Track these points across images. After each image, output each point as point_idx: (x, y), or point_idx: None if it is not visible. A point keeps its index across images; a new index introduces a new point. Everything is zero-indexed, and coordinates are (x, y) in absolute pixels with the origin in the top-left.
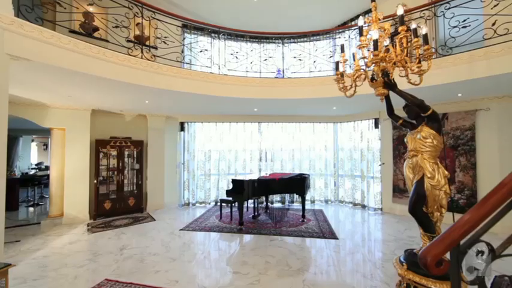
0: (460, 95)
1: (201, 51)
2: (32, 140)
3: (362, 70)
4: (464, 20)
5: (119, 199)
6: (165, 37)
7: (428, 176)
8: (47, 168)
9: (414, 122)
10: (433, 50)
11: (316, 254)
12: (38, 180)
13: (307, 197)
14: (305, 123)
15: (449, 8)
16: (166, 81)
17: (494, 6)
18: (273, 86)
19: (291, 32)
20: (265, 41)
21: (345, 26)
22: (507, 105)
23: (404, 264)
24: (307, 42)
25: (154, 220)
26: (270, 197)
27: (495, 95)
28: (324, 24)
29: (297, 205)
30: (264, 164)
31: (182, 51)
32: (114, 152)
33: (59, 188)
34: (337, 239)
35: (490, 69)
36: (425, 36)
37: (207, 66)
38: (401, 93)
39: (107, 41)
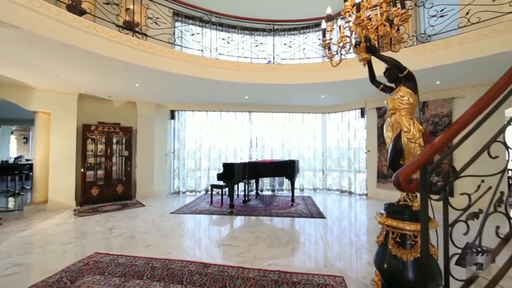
0: (438, 82)
1: (192, 34)
2: (12, 132)
3: (347, 38)
4: (442, 10)
5: (107, 186)
6: (157, 18)
7: (405, 130)
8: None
9: (393, 85)
10: (414, 38)
11: (304, 229)
12: (19, 169)
13: (297, 185)
14: (295, 113)
15: None
16: (158, 61)
17: None
18: (263, 71)
19: (282, 19)
20: (256, 33)
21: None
22: (480, 93)
23: (384, 213)
24: (297, 35)
25: (144, 206)
26: (260, 185)
27: (470, 84)
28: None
29: (286, 192)
30: (255, 153)
31: (174, 33)
32: (102, 138)
33: (43, 173)
34: (325, 218)
35: (464, 55)
36: (402, 2)
37: (199, 50)
38: (381, 57)
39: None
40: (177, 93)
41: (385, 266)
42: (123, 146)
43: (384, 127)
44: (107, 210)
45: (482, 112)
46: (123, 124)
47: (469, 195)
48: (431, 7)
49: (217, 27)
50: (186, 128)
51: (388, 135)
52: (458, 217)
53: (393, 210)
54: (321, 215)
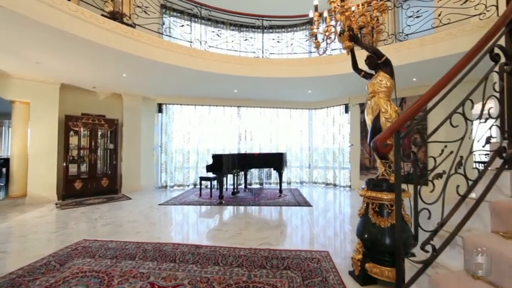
0: (414, 79)
1: (182, 26)
2: None
3: (332, 28)
4: (418, 11)
5: (91, 179)
6: (146, 7)
7: (383, 111)
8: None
9: (373, 72)
10: (393, 37)
11: (292, 216)
12: None
13: (284, 178)
14: (282, 108)
15: (405, 0)
16: (148, 50)
17: (439, 0)
18: (253, 64)
19: (271, 15)
20: (244, 29)
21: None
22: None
23: (365, 187)
24: (285, 33)
25: (131, 199)
26: (249, 178)
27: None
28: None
29: (274, 186)
30: (244, 147)
31: (163, 24)
32: (86, 130)
33: (21, 166)
34: (311, 206)
35: (436, 52)
36: None
37: (188, 41)
38: (362, 45)
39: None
40: (166, 85)
41: (366, 235)
42: (108, 138)
43: (365, 111)
44: (91, 203)
45: (440, 91)
46: (109, 116)
47: (434, 158)
48: (408, 8)
49: (206, 21)
50: (174, 121)
51: (369, 118)
52: (427, 177)
53: (373, 184)
54: (307, 204)
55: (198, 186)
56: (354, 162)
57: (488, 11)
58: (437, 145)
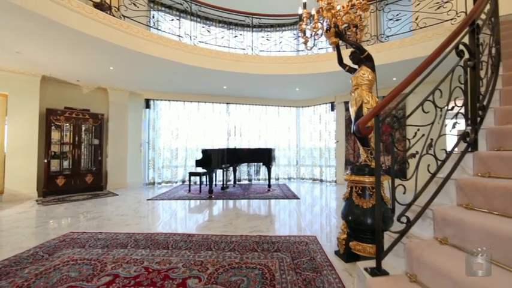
0: (394, 79)
1: (172, 20)
2: None
3: (320, 24)
4: (397, 14)
5: (75, 175)
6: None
7: (365, 101)
8: None
9: (356, 66)
10: (375, 38)
11: (281, 207)
12: None
13: (272, 174)
14: (271, 106)
15: (387, 4)
16: (137, 43)
17: (417, 5)
18: (242, 60)
19: (261, 13)
20: (233, 27)
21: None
22: (427, 89)
23: (349, 172)
24: (274, 32)
25: (117, 195)
26: (238, 174)
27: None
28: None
29: (263, 181)
30: (232, 144)
31: (153, 16)
32: (69, 125)
33: None
34: (299, 199)
35: (414, 53)
36: None
37: (178, 36)
38: (347, 41)
39: None
40: (154, 80)
41: (350, 216)
42: (93, 134)
43: (349, 102)
44: (75, 199)
45: (413, 80)
46: (94, 111)
47: (409, 139)
48: (389, 12)
49: (195, 18)
50: (162, 117)
51: (353, 109)
52: (402, 157)
53: (356, 169)
54: (295, 197)
55: (187, 183)
56: (339, 158)
57: (458, 16)
58: (413, 130)
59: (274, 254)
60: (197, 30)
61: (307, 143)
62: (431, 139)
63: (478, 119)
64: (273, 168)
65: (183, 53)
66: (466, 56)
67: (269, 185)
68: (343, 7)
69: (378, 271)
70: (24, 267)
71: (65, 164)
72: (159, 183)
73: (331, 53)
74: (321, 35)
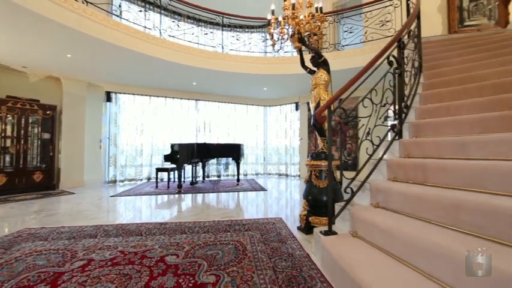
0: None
1: (140, 11)
2: None
3: (286, 30)
4: (351, 27)
5: (19, 173)
6: None
7: (322, 99)
8: None
9: (316, 69)
10: (333, 46)
11: (250, 197)
12: None
13: (240, 170)
14: (240, 104)
15: (342, 18)
16: (103, 32)
17: (366, 21)
18: (212, 58)
19: (231, 14)
20: (202, 24)
21: None
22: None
23: (309, 159)
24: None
25: (74, 193)
26: (206, 171)
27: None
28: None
29: (232, 177)
30: (201, 141)
31: (119, 6)
32: (12, 116)
33: None
34: (266, 190)
35: (364, 61)
36: (321, 8)
37: (146, 27)
38: (308, 46)
39: None
40: (118, 72)
41: (310, 196)
42: (42, 127)
43: (309, 99)
44: (22, 199)
45: (355, 82)
46: (44, 102)
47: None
48: (344, 24)
49: (164, 11)
50: (126, 112)
51: (312, 105)
52: (346, 141)
53: (315, 155)
54: (263, 189)
55: (152, 180)
56: (302, 154)
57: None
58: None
59: (245, 232)
60: (166, 24)
61: (274, 140)
62: (369, 128)
63: (403, 115)
64: (241, 165)
65: (152, 46)
66: (395, 65)
67: (238, 180)
68: (305, 16)
69: (329, 232)
70: None
71: (7, 160)
72: (122, 181)
73: (296, 56)
74: (287, 39)
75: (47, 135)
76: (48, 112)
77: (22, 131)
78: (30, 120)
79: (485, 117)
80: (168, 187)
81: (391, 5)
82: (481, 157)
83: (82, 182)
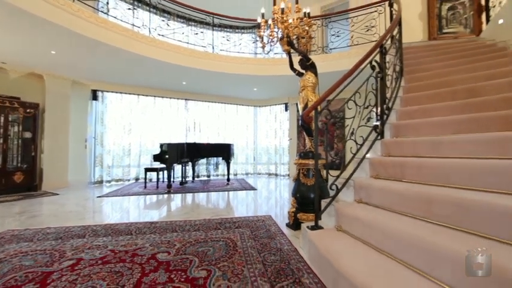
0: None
1: (129, 9)
2: None
3: (275, 33)
4: (338, 31)
5: None
6: None
7: (310, 100)
8: None
9: (304, 71)
10: (321, 49)
11: (240, 196)
12: None
13: (230, 170)
14: (230, 104)
15: (330, 22)
16: (91, 29)
17: (352, 26)
18: (202, 58)
19: (222, 14)
20: (192, 23)
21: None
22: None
23: (297, 158)
24: (234, 34)
25: (58, 194)
26: (196, 171)
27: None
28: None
29: (221, 177)
30: (191, 140)
31: (107, 3)
32: None
33: None
34: (256, 189)
35: (350, 64)
36: (308, 13)
37: (135, 26)
38: (296, 49)
39: None
40: (105, 70)
41: (298, 193)
42: (24, 125)
43: (298, 100)
44: (2, 201)
45: (340, 85)
46: (25, 100)
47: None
48: (332, 28)
49: (154, 10)
50: (113, 111)
51: (301, 106)
52: (334, 141)
53: (303, 154)
54: (253, 188)
55: (141, 181)
56: (292, 154)
57: None
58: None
59: (236, 230)
60: (155, 23)
61: (264, 140)
62: (353, 128)
63: (385, 116)
64: (231, 165)
65: (142, 45)
66: (377, 69)
67: (228, 179)
68: (294, 20)
69: (316, 227)
70: None
71: None
72: (109, 182)
73: (285, 58)
74: (276, 42)
75: (28, 134)
76: (29, 110)
77: (1, 130)
78: (10, 119)
79: (457, 119)
80: (158, 187)
81: (375, 11)
82: (452, 155)
83: (66, 183)
